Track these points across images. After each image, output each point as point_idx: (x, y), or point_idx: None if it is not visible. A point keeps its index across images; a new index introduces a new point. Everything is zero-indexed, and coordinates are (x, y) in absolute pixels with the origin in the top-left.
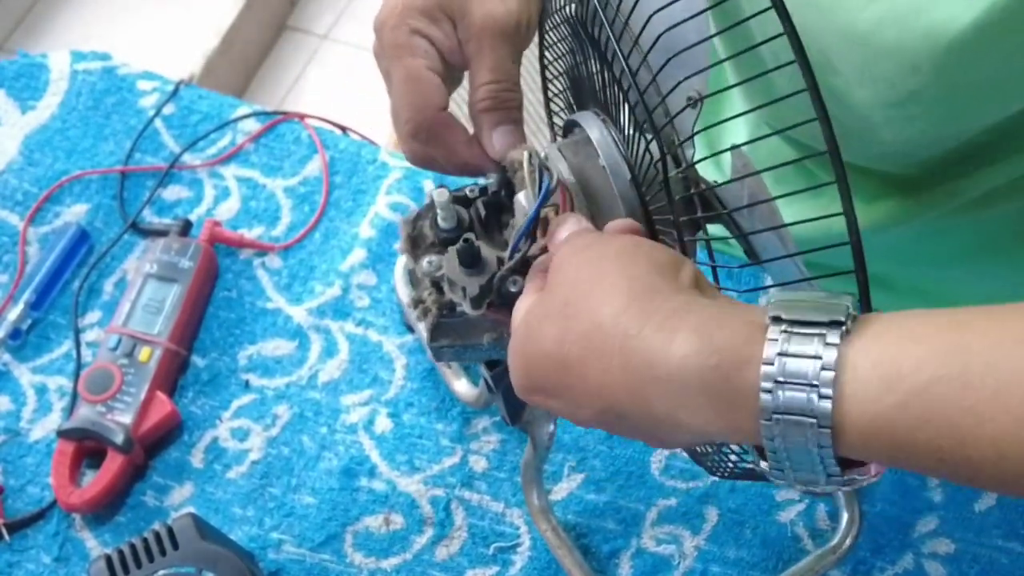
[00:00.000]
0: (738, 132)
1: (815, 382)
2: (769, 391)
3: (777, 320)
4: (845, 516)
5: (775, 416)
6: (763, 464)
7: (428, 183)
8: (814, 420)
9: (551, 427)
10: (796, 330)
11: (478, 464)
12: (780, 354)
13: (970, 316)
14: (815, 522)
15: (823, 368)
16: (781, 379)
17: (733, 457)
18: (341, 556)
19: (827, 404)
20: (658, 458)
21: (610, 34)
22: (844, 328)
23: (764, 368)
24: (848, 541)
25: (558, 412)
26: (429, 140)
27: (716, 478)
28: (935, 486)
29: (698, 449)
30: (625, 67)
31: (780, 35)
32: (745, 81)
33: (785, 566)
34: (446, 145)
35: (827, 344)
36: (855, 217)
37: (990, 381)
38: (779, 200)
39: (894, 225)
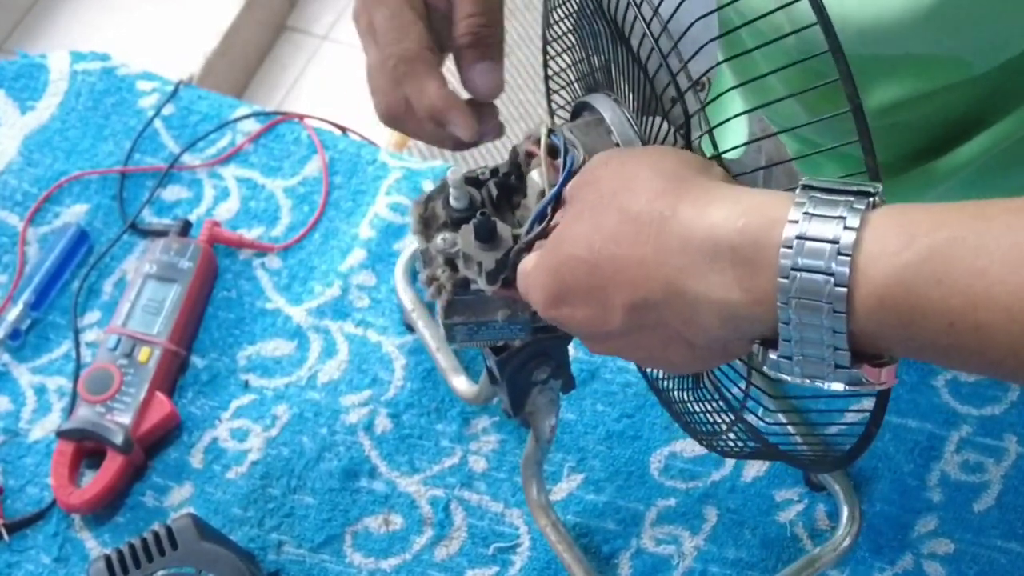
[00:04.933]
0: (738, 134)
1: (836, 237)
2: (790, 247)
3: (807, 188)
4: (844, 516)
5: (793, 273)
6: (771, 355)
7: (428, 183)
8: (831, 277)
9: (553, 419)
10: (824, 196)
11: (477, 464)
12: (807, 214)
13: (993, 203)
14: (814, 522)
15: (845, 227)
16: (803, 236)
17: (745, 444)
18: (341, 557)
19: (845, 263)
20: (657, 458)
21: (634, 5)
22: (871, 200)
23: (788, 227)
24: (847, 541)
25: (584, 325)
26: (405, 76)
27: (717, 477)
28: (934, 486)
29: (697, 428)
30: (647, 31)
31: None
32: (747, 81)
33: (784, 566)
34: (419, 84)
35: (852, 208)
36: (876, 165)
37: (1005, 243)
38: (797, 162)
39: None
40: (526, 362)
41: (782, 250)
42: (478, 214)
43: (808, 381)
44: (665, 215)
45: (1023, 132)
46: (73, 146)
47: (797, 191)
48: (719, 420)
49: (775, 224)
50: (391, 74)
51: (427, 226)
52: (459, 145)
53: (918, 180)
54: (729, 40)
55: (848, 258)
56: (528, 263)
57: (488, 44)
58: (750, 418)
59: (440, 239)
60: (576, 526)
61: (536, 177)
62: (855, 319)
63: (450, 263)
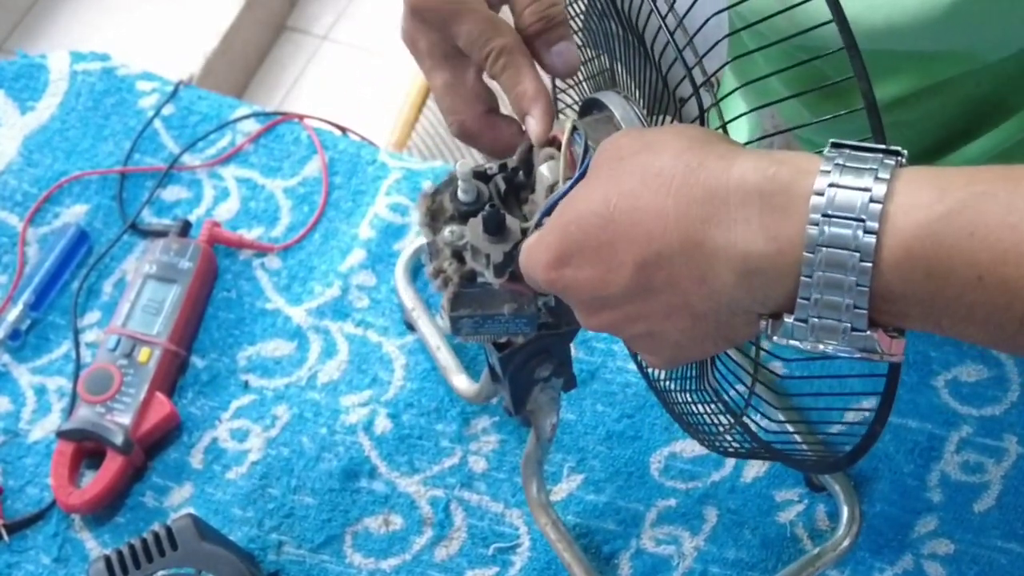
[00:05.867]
0: (739, 135)
1: (868, 187)
2: (821, 194)
3: (837, 145)
4: (844, 516)
5: (823, 221)
6: (785, 319)
7: (428, 184)
8: (861, 225)
9: (554, 418)
10: (855, 153)
11: (477, 465)
12: (838, 165)
13: (1020, 166)
14: (814, 522)
15: (877, 179)
16: (836, 184)
17: (744, 445)
18: (340, 557)
19: (876, 214)
20: (657, 459)
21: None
22: (899, 159)
23: (820, 177)
24: (847, 541)
25: (586, 287)
26: (474, 139)
27: (717, 478)
28: (934, 486)
29: (698, 428)
30: (663, 25)
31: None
32: (748, 82)
33: (784, 566)
34: (491, 141)
35: (883, 163)
36: (880, 124)
37: None
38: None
39: None
40: (528, 359)
41: (813, 198)
42: (487, 206)
43: (820, 346)
44: (692, 166)
45: None
46: (73, 146)
47: (827, 149)
48: (720, 421)
49: (807, 174)
50: (459, 136)
51: (434, 219)
52: (509, 151)
53: None
54: (731, 43)
55: (880, 207)
56: (532, 237)
57: (556, 24)
58: (751, 420)
59: (448, 231)
60: (576, 526)
61: (545, 171)
62: (880, 273)
63: (457, 256)
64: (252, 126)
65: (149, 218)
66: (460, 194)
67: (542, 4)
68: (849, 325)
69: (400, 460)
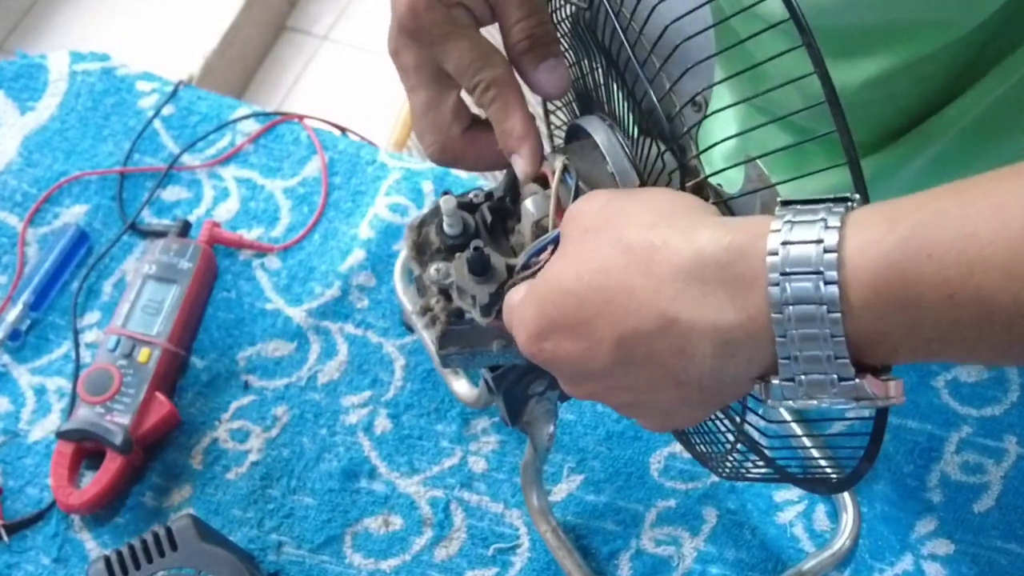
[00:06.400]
0: (727, 125)
1: (820, 237)
2: (776, 253)
3: (788, 203)
4: (844, 517)
5: (782, 280)
6: (773, 381)
7: (428, 184)
8: (820, 276)
9: (551, 428)
10: (806, 207)
11: (477, 465)
12: (788, 222)
13: (970, 179)
14: (814, 523)
15: (827, 227)
16: (788, 242)
17: (738, 451)
18: (340, 557)
19: (832, 262)
20: (657, 459)
21: (616, 25)
22: (851, 204)
23: (771, 237)
24: (847, 542)
25: (568, 361)
26: (454, 160)
27: (716, 478)
28: (934, 487)
29: (697, 448)
30: (632, 57)
31: (787, 20)
32: (739, 72)
33: (784, 567)
34: (475, 159)
35: (832, 212)
36: (862, 179)
37: (987, 207)
38: (788, 153)
39: (883, 179)
40: (522, 376)
41: (768, 259)
42: (471, 247)
43: (815, 402)
44: (656, 244)
45: (1008, 85)
46: (73, 146)
47: (776, 208)
48: (721, 440)
49: (759, 237)
50: (439, 158)
51: (421, 252)
52: (495, 166)
53: (914, 142)
54: (723, 30)
55: (834, 255)
56: (515, 295)
57: (545, 42)
58: (752, 432)
59: (434, 270)
60: (576, 527)
61: (531, 206)
62: (853, 318)
63: (444, 293)
64: (252, 126)
65: (149, 218)
66: (446, 227)
67: (531, 21)
68: (835, 376)
69: (400, 460)
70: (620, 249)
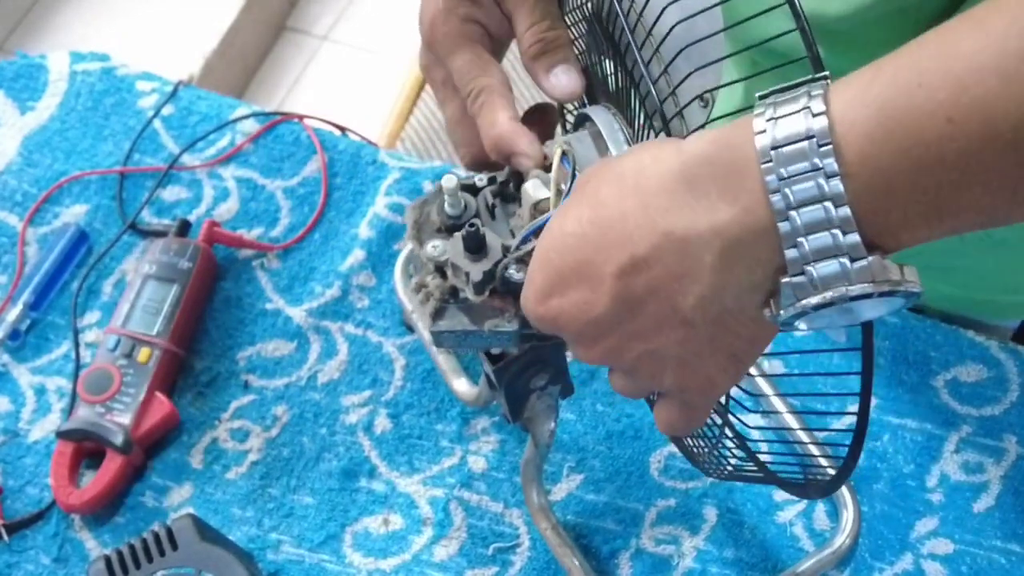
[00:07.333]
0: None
1: (806, 105)
2: (763, 131)
3: (765, 96)
4: (844, 516)
5: (774, 152)
6: (784, 280)
7: (428, 184)
8: (811, 137)
9: (552, 424)
10: (784, 91)
11: (477, 464)
12: (772, 104)
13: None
14: (814, 522)
15: (811, 95)
16: (775, 116)
17: (734, 455)
18: (340, 556)
19: (821, 114)
20: (657, 458)
21: (624, 24)
22: (828, 81)
23: (756, 119)
24: (847, 541)
25: (574, 314)
26: (482, 108)
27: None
28: (934, 486)
29: (694, 449)
30: (638, 58)
31: (791, 31)
32: (755, 75)
33: (784, 566)
34: (492, 114)
35: (813, 84)
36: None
37: (965, 27)
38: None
39: None
40: (524, 370)
41: (757, 139)
42: (467, 225)
43: (827, 311)
44: (645, 163)
45: None
46: (73, 146)
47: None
48: (708, 434)
49: (743, 125)
50: (472, 166)
51: (421, 231)
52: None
53: None
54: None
55: (824, 118)
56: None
57: (557, 47)
58: (737, 418)
59: (431, 246)
60: (576, 526)
61: (530, 189)
62: (854, 178)
63: (440, 271)
64: (252, 126)
65: (149, 218)
66: (447, 208)
67: (541, 27)
68: (847, 260)
69: (400, 460)
70: (613, 179)
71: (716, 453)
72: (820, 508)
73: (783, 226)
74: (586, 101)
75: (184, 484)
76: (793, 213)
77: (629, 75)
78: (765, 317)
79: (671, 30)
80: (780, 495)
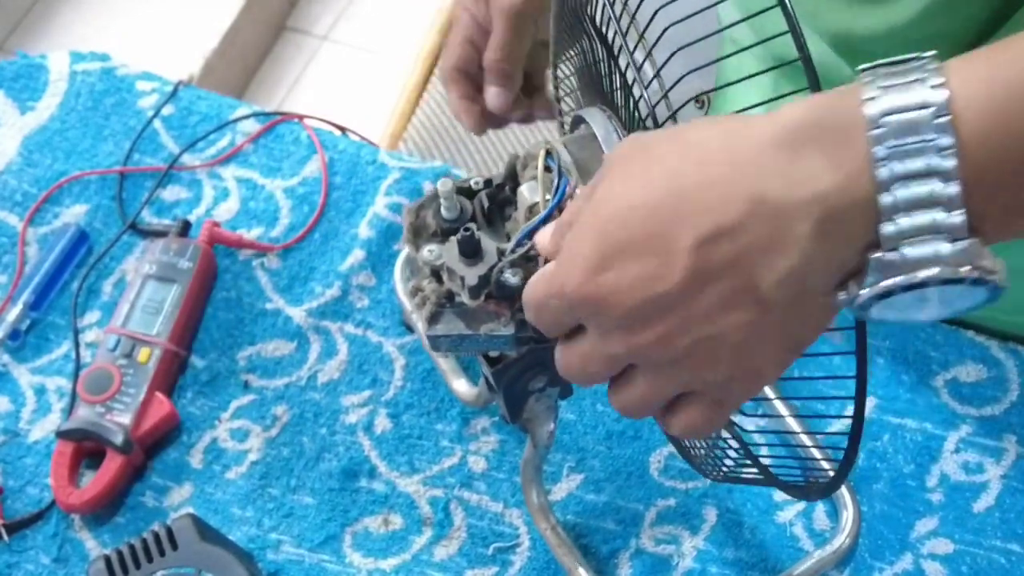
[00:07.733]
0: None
1: (919, 77)
2: (874, 97)
3: (869, 68)
4: (844, 516)
5: (884, 120)
6: (873, 255)
7: (428, 184)
8: (929, 108)
9: (551, 425)
10: (893, 66)
11: (477, 464)
12: (880, 74)
13: None
14: (814, 522)
15: (925, 69)
16: (885, 84)
17: (730, 457)
18: (340, 556)
19: (939, 78)
20: (657, 458)
21: (618, 27)
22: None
23: (864, 86)
24: (847, 541)
25: (635, 287)
26: (447, 83)
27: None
28: (934, 486)
29: (691, 451)
30: (631, 60)
31: (784, 33)
32: (759, 73)
33: (783, 567)
34: (448, 90)
35: (928, 64)
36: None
37: None
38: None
39: None
40: (522, 373)
41: (865, 103)
42: (463, 229)
43: (911, 295)
44: (733, 128)
45: None
46: (73, 146)
47: (859, 76)
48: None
49: (852, 92)
50: (442, 79)
51: (417, 234)
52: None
53: None
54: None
55: (943, 86)
56: (538, 273)
57: (502, 76)
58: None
59: (427, 251)
60: (576, 526)
61: (526, 192)
62: (967, 155)
63: (435, 275)
64: (252, 126)
65: (149, 218)
66: (443, 211)
67: (500, 63)
68: (945, 241)
69: (400, 460)
70: (692, 146)
71: (714, 454)
72: (820, 508)
73: (883, 198)
74: (582, 103)
75: (184, 484)
76: (897, 186)
77: (622, 76)
78: (838, 299)
79: (664, 32)
80: (780, 495)
